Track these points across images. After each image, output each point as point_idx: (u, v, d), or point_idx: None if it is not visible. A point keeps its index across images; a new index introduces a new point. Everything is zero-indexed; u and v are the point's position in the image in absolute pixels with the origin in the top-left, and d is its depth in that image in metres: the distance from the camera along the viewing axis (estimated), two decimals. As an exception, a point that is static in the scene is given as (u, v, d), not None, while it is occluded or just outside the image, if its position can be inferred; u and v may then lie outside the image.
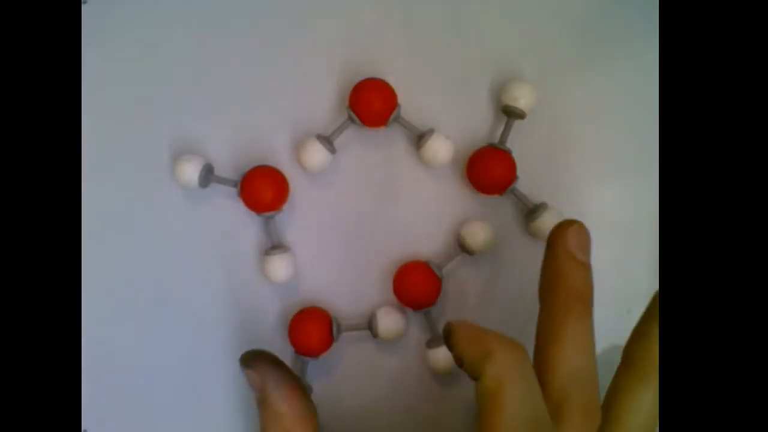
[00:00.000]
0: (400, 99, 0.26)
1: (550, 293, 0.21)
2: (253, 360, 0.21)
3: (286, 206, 0.26)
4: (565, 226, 0.21)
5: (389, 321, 0.25)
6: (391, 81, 0.26)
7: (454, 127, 0.26)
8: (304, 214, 0.27)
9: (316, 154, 0.25)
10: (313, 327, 0.25)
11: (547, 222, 0.25)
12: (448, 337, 0.20)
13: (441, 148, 0.25)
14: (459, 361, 0.19)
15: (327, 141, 0.26)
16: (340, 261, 0.27)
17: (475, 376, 0.19)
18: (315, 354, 0.25)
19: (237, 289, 0.27)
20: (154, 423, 0.26)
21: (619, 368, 0.20)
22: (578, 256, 0.21)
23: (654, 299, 0.21)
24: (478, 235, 0.25)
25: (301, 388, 0.21)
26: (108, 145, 0.27)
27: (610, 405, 0.20)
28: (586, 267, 0.21)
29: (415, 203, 0.27)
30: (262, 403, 0.20)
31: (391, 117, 0.25)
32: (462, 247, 0.26)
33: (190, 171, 0.25)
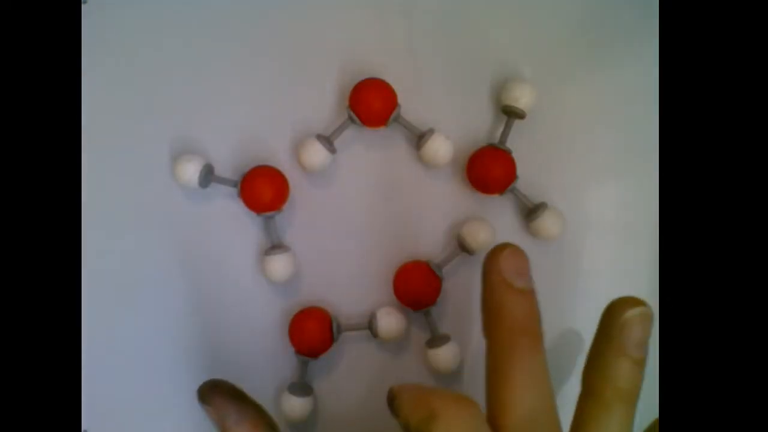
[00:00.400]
0: (400, 99, 0.26)
1: (491, 330, 0.19)
2: (210, 394, 0.19)
3: (286, 206, 0.26)
4: (497, 252, 0.19)
5: (389, 321, 0.25)
6: (391, 81, 0.26)
7: (454, 127, 0.26)
8: (304, 214, 0.27)
9: (316, 154, 0.25)
10: (313, 327, 0.25)
11: (547, 222, 0.25)
12: (391, 402, 0.19)
13: (441, 148, 0.25)
14: (406, 427, 0.18)
15: (327, 141, 0.26)
16: (340, 261, 0.27)
17: None
18: (315, 354, 0.25)
19: (237, 289, 0.27)
20: (155, 423, 0.26)
21: (580, 397, 0.19)
22: (516, 283, 0.19)
23: (601, 322, 0.19)
24: (478, 235, 0.25)
25: (266, 423, 0.19)
26: (108, 145, 0.27)
27: None
28: (527, 294, 0.19)
29: (415, 203, 0.27)
30: None
31: (391, 117, 0.25)
32: (462, 247, 0.26)
33: (190, 171, 0.25)
